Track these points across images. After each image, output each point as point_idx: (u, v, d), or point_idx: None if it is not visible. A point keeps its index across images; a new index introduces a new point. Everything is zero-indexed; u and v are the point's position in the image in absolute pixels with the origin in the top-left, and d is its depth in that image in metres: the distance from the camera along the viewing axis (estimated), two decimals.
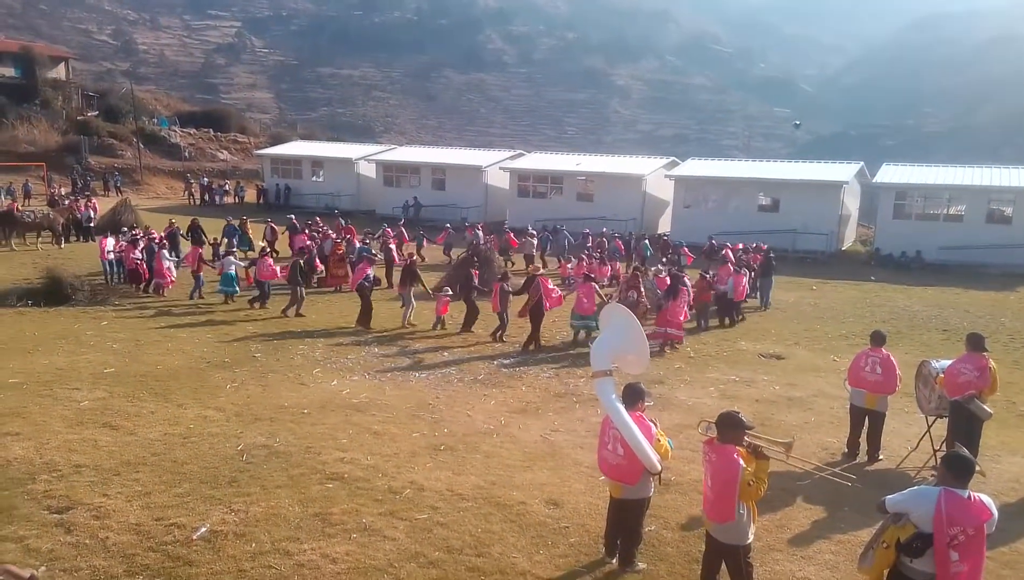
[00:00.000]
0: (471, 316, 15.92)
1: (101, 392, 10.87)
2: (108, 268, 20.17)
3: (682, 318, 15.25)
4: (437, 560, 6.46)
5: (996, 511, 4.72)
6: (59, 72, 57.74)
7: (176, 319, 16.30)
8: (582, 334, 15.22)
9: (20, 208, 28.32)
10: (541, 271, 16.97)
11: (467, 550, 6.66)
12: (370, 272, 16.49)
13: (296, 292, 16.98)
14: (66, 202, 31.93)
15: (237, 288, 18.01)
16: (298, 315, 16.81)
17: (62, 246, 25.87)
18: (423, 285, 16.89)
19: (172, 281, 19.11)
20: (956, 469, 4.73)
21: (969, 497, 4.64)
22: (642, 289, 16.49)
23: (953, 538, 4.57)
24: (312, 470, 8.25)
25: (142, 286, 19.16)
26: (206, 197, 43.76)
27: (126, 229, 23.40)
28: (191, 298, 18.29)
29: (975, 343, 8.81)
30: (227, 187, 46.15)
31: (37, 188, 39.73)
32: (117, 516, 7.05)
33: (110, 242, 20.30)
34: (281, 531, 6.86)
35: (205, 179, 46.57)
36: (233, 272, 17.96)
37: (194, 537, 6.67)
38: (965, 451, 4.93)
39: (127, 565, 6.24)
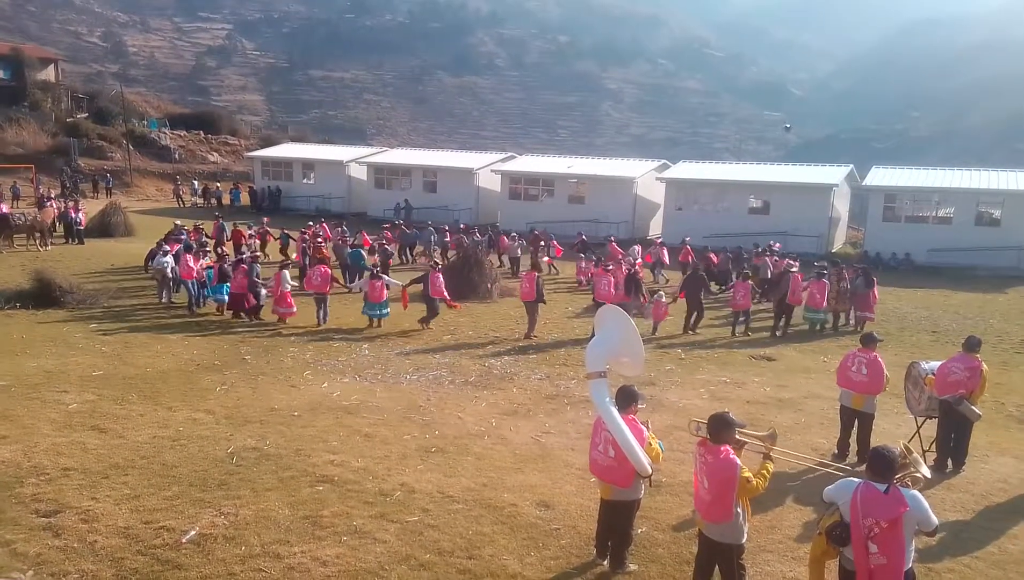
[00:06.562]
0: (699, 317, 16.83)
1: (90, 395, 10.80)
2: (192, 290, 17.21)
3: (873, 302, 17.40)
4: (428, 562, 6.44)
5: (921, 506, 4.79)
6: (48, 74, 57.51)
7: (165, 322, 16.21)
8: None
9: (11, 209, 28.11)
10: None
11: (458, 552, 6.64)
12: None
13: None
14: (50, 203, 31.58)
15: (387, 310, 16.25)
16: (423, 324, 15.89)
17: (48, 248, 25.70)
18: (643, 296, 17.53)
19: (294, 310, 16.28)
20: (874, 464, 4.95)
21: (887, 491, 4.78)
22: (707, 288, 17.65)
23: (869, 529, 4.76)
24: (302, 472, 8.22)
25: (244, 313, 16.31)
26: (210, 200, 43.94)
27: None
28: (319, 325, 16.09)
29: (970, 345, 8.96)
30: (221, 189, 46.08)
31: (26, 190, 39.45)
32: (105, 519, 6.99)
33: (190, 258, 17.31)
34: (271, 534, 6.82)
35: (196, 182, 46.40)
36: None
37: (183, 540, 6.63)
38: (888, 448, 5.05)
39: (116, 569, 6.20)
